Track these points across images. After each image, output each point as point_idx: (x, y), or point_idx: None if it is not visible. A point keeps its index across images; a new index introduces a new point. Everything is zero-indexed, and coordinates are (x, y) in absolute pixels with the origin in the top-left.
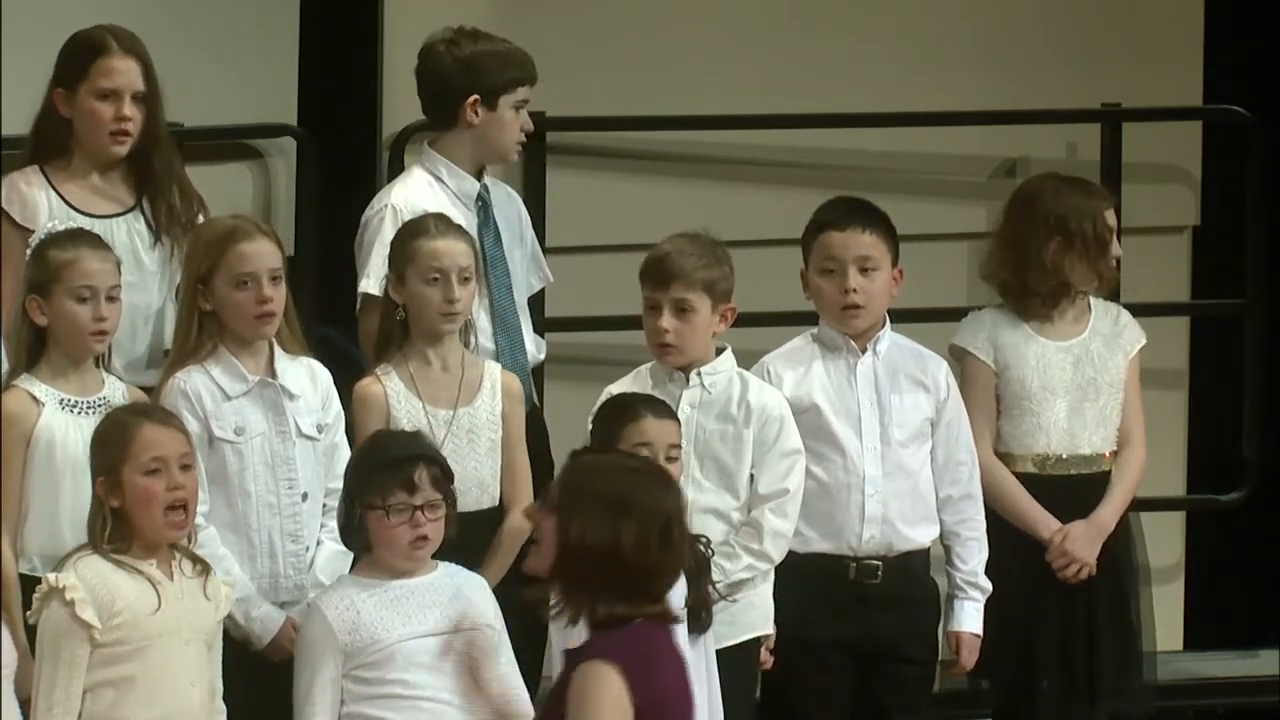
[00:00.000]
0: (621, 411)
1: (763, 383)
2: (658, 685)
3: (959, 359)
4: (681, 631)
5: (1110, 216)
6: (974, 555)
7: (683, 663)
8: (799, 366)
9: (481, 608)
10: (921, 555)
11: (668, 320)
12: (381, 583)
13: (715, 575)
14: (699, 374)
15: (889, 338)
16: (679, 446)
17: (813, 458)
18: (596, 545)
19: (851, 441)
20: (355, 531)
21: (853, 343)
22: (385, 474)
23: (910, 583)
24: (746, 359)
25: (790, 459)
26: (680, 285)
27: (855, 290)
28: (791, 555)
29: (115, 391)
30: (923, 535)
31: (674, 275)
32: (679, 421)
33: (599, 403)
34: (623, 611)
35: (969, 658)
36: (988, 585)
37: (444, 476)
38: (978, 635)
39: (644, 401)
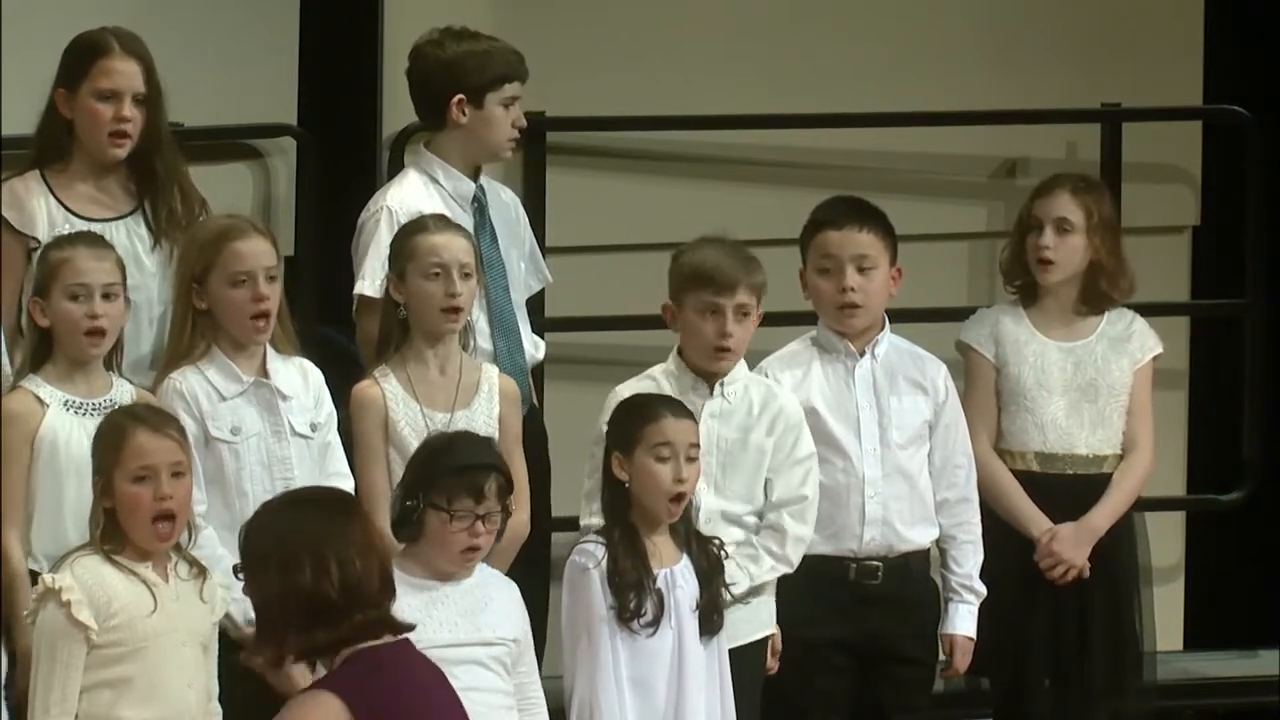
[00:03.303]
0: (640, 412)
1: (779, 388)
2: (389, 702)
3: (963, 354)
4: (691, 633)
5: (1046, 206)
6: (969, 558)
7: (416, 672)
8: (797, 370)
9: (506, 619)
10: (921, 556)
11: (733, 325)
12: (423, 580)
13: (738, 578)
14: (721, 384)
15: (888, 340)
16: (698, 446)
17: None
18: (281, 589)
19: (851, 444)
20: (409, 526)
21: (851, 345)
22: (456, 478)
23: (910, 584)
24: (747, 359)
25: (805, 464)
26: (744, 290)
27: (853, 289)
28: None
29: (123, 393)
30: (922, 537)
31: (739, 280)
32: (696, 421)
33: (610, 404)
34: (324, 639)
35: (963, 660)
36: (982, 589)
37: (507, 487)
38: (971, 638)
39: (662, 401)
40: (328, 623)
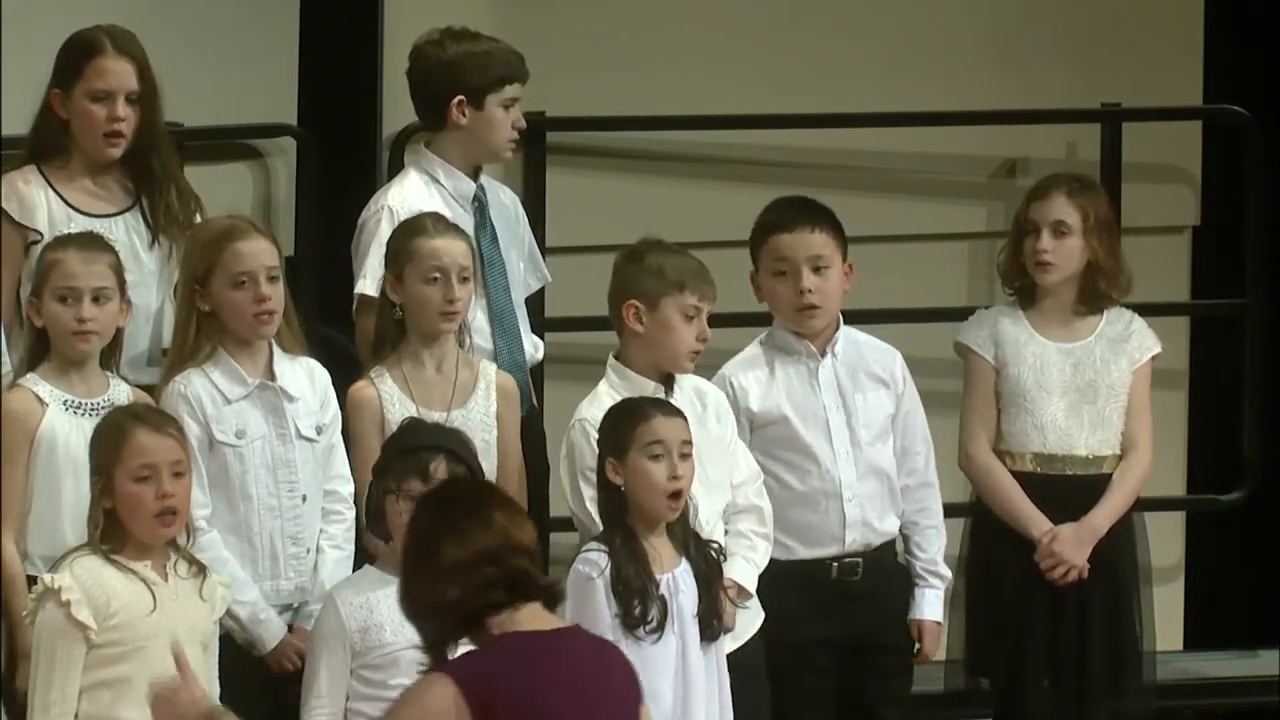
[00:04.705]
0: (630, 413)
1: (699, 378)
2: (514, 688)
3: (962, 355)
4: (693, 638)
5: (1043, 209)
6: (932, 543)
7: (562, 661)
8: (762, 377)
9: None
10: (890, 546)
11: (707, 328)
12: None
13: (746, 571)
14: (675, 387)
15: (844, 336)
16: (690, 443)
17: (785, 468)
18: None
19: (823, 449)
20: (377, 517)
21: (811, 346)
22: (403, 459)
23: (885, 575)
24: (706, 361)
25: (741, 443)
26: (714, 293)
27: (810, 290)
28: (775, 563)
29: (121, 394)
30: (891, 526)
31: (713, 284)
32: (687, 420)
33: (580, 431)
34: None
35: (932, 645)
36: (947, 573)
37: (468, 475)
38: (939, 623)
39: (651, 402)
40: (464, 619)
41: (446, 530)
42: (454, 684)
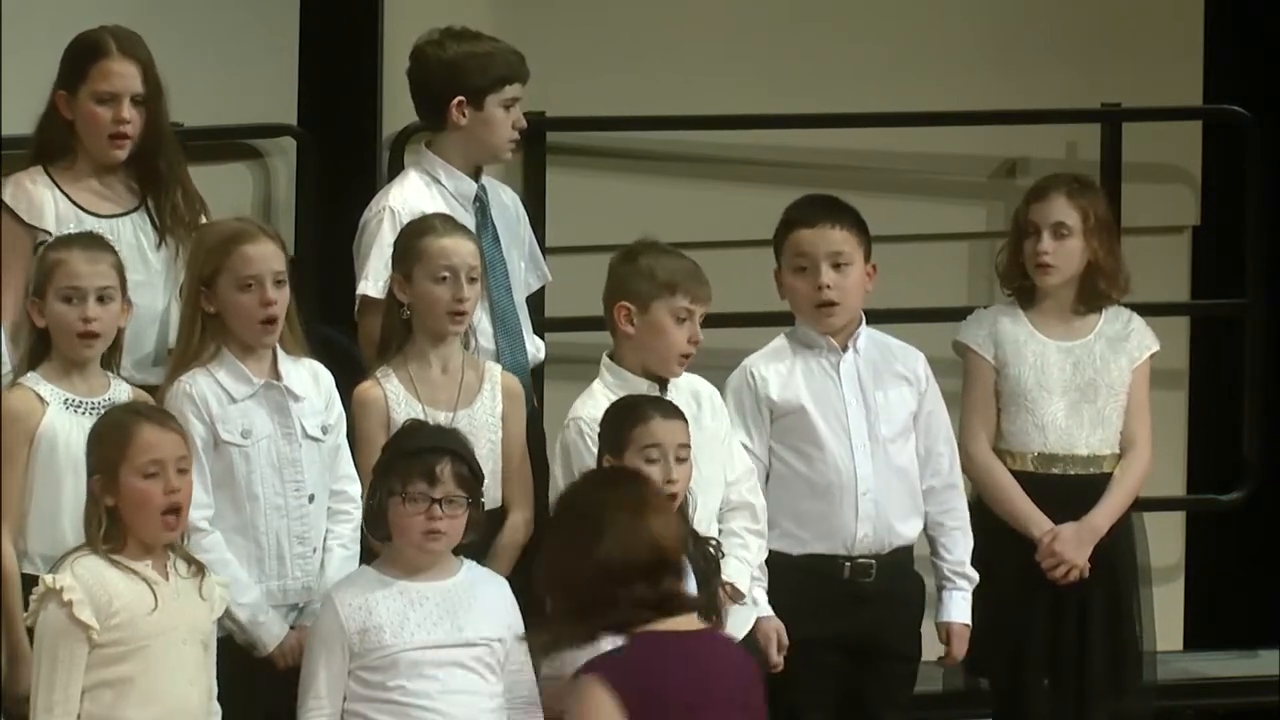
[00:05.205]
0: (628, 414)
1: (693, 375)
2: (655, 686)
3: (961, 355)
4: None
5: (1043, 211)
6: (959, 545)
7: (687, 663)
8: (783, 369)
9: (489, 617)
10: (908, 550)
11: (699, 331)
12: (400, 580)
13: (740, 571)
14: (670, 385)
15: (866, 334)
16: (688, 446)
17: (802, 459)
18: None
19: (841, 442)
20: (378, 519)
21: (832, 340)
22: (409, 462)
23: (900, 580)
24: (718, 357)
25: (733, 439)
26: (707, 297)
27: (829, 286)
28: (786, 557)
29: (121, 393)
30: (911, 529)
31: (708, 287)
32: (686, 421)
33: (576, 430)
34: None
35: (959, 647)
36: (974, 575)
37: (472, 476)
38: (967, 625)
39: (650, 402)
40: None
41: (607, 524)
42: (609, 686)
